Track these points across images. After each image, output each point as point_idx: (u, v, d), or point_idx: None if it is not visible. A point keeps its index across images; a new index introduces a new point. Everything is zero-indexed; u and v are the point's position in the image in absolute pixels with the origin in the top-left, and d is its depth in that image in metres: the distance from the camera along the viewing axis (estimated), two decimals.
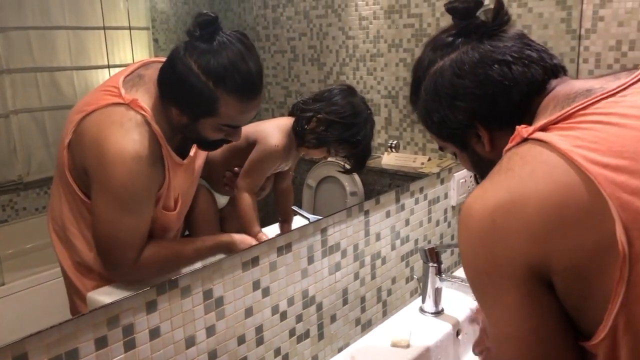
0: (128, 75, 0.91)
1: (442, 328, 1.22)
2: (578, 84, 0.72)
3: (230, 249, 0.99)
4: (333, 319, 1.20)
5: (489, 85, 0.74)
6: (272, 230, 1.14)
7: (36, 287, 0.94)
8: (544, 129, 0.67)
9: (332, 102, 1.12)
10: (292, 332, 1.11)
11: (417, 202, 1.41)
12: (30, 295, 0.92)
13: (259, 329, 1.04)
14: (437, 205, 1.48)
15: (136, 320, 0.83)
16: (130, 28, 1.05)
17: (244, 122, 0.94)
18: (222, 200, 1.12)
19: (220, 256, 0.96)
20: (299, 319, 1.12)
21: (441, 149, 0.88)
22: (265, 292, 1.04)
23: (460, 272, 1.42)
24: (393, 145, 1.72)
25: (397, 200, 1.34)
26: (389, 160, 1.82)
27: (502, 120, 0.75)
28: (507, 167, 0.67)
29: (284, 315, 1.09)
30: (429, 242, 1.47)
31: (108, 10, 1.01)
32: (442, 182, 1.49)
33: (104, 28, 1.00)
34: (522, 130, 0.69)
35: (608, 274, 0.59)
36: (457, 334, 1.25)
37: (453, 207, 1.54)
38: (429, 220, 1.46)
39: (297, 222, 1.16)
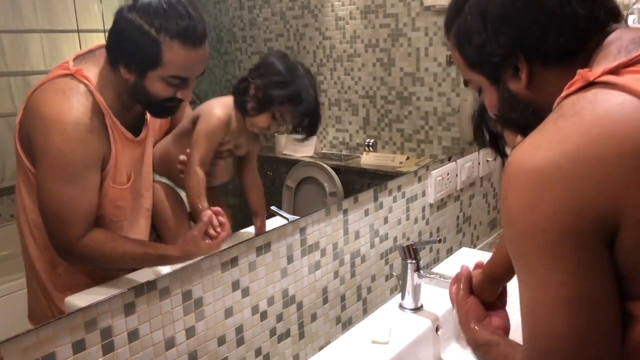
0: (84, 53, 0.93)
1: (422, 324, 1.23)
2: None
3: (172, 262, 0.96)
4: (313, 317, 1.21)
5: (543, 13, 0.67)
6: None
7: (12, 295, 0.93)
8: (614, 72, 0.62)
9: (265, 65, 1.13)
10: (272, 332, 1.11)
11: (395, 200, 1.42)
12: (6, 302, 0.91)
13: (239, 329, 1.04)
14: (415, 203, 1.49)
15: (114, 323, 0.83)
16: (105, 31, 1.04)
17: (191, 72, 0.94)
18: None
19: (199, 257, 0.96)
20: (279, 318, 1.13)
21: (465, 83, 0.81)
22: (245, 292, 1.04)
23: (439, 268, 1.43)
24: (370, 143, 1.73)
25: (376, 198, 1.35)
26: (367, 159, 1.83)
27: (548, 55, 0.69)
28: (573, 112, 0.61)
29: (264, 315, 1.09)
30: (408, 239, 1.49)
31: (82, 13, 1.00)
32: (419, 180, 1.51)
33: (78, 31, 0.99)
34: (588, 73, 0.63)
35: None
36: (437, 329, 1.26)
37: (431, 205, 1.56)
38: (407, 217, 1.48)
39: (277, 222, 1.16)
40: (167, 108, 0.97)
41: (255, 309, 1.07)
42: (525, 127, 0.76)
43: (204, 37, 0.93)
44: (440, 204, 1.61)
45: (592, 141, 0.58)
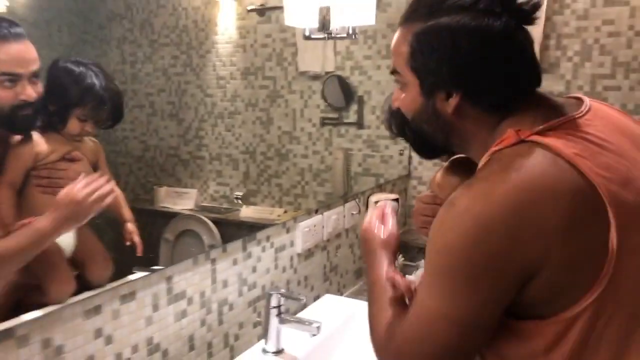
0: None
1: None
2: (559, 100, 0.82)
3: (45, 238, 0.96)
4: None
5: (499, 72, 0.77)
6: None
7: None
8: (540, 133, 0.74)
9: (52, 79, 1.05)
10: None
11: (264, 249, 1.51)
12: None
13: None
14: (283, 252, 1.59)
15: None
16: None
17: (19, 66, 0.93)
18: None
19: (60, 305, 0.98)
20: None
21: (393, 72, 0.86)
22: (108, 340, 1.07)
23: (304, 313, 1.52)
24: (239, 197, 1.82)
25: (244, 248, 1.43)
26: (247, 212, 1.91)
27: (482, 101, 0.79)
28: (514, 166, 0.71)
29: None
30: (276, 287, 1.57)
31: None
32: (287, 230, 1.61)
33: None
34: (519, 132, 0.74)
35: (596, 267, 0.70)
36: None
37: (299, 254, 1.67)
38: (276, 267, 1.57)
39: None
40: (20, 118, 0.96)
41: (118, 357, 1.09)
42: (424, 142, 0.91)
43: (18, 32, 0.92)
44: (308, 254, 1.72)
45: (537, 197, 0.69)
